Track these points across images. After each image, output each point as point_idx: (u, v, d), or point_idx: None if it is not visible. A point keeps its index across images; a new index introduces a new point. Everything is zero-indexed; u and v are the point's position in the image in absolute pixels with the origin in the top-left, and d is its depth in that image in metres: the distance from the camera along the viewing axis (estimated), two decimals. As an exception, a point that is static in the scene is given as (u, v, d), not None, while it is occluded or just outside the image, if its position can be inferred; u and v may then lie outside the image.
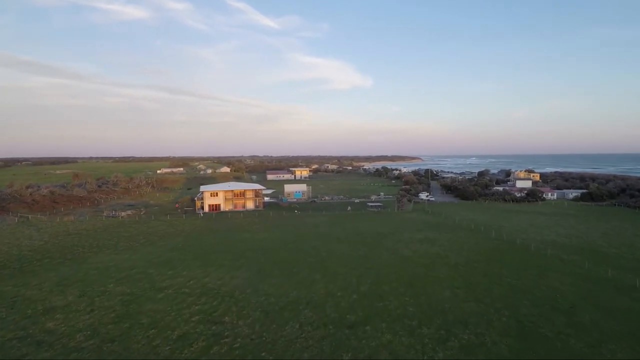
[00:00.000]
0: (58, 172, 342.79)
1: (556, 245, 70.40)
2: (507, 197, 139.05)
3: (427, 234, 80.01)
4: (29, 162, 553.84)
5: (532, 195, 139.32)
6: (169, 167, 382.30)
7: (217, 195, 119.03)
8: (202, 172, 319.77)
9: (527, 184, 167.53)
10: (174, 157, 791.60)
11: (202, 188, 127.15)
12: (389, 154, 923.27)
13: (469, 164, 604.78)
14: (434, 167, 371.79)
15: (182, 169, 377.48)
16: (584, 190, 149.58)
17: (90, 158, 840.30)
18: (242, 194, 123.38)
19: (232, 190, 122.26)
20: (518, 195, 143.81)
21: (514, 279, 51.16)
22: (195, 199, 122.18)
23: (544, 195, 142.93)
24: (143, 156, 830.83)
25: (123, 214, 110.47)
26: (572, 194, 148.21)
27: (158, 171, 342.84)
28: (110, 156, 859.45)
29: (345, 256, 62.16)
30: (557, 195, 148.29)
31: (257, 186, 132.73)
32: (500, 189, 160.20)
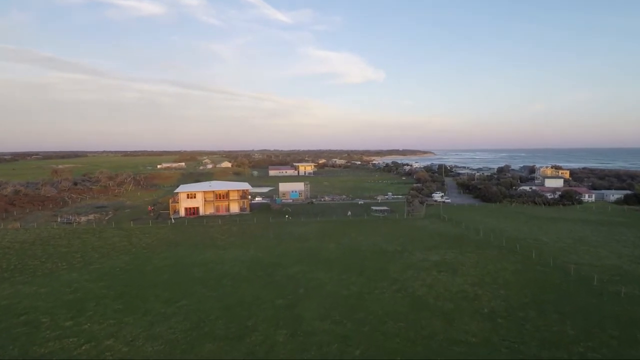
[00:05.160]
0: (60, 166, 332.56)
1: (626, 277, 50.79)
2: (538, 200, 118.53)
3: (445, 254, 61.11)
4: (39, 156, 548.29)
5: (567, 197, 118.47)
6: (170, 162, 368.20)
7: (194, 197, 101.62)
8: (201, 168, 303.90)
9: (559, 183, 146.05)
10: (185, 151, 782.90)
11: (180, 188, 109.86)
12: (401, 148, 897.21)
13: (474, 158, 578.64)
14: (447, 162, 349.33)
15: (183, 163, 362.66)
16: (628, 191, 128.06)
17: (103, 152, 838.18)
18: (226, 195, 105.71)
19: (213, 191, 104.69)
20: (550, 196, 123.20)
21: (591, 349, 32.22)
22: (170, 201, 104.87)
23: (580, 197, 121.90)
24: (156, 150, 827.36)
25: (83, 218, 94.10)
26: (614, 195, 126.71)
27: (158, 166, 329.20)
28: (125, 150, 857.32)
29: (331, 295, 43.81)
30: (595, 197, 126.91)
31: (245, 185, 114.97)
32: (527, 188, 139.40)
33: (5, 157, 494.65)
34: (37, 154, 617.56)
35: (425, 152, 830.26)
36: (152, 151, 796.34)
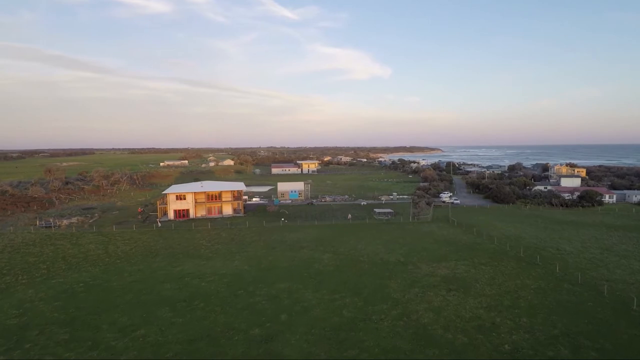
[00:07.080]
0: (64, 164, 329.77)
1: (672, 298, 42.90)
2: (555, 201, 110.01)
3: (455, 267, 53.63)
4: (46, 154, 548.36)
5: (586, 199, 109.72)
6: (174, 160, 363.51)
7: (184, 199, 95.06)
8: (203, 165, 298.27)
9: (576, 183, 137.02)
10: (192, 149, 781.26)
11: (170, 188, 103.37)
12: (408, 144, 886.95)
13: (479, 155, 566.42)
14: (454, 159, 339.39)
15: (186, 161, 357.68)
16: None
17: (111, 149, 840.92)
18: (218, 196, 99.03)
19: (204, 192, 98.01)
20: (567, 197, 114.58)
21: (648, 408, 24.71)
22: (158, 203, 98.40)
23: (601, 198, 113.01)
24: (163, 147, 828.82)
25: (65, 222, 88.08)
26: (637, 196, 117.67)
27: (161, 164, 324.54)
28: (132, 147, 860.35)
29: (319, 324, 36.67)
30: (616, 198, 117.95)
31: (239, 186, 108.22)
32: (542, 188, 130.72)
33: (13, 154, 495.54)
34: (44, 151, 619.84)
35: (433, 149, 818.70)
36: (160, 148, 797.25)
